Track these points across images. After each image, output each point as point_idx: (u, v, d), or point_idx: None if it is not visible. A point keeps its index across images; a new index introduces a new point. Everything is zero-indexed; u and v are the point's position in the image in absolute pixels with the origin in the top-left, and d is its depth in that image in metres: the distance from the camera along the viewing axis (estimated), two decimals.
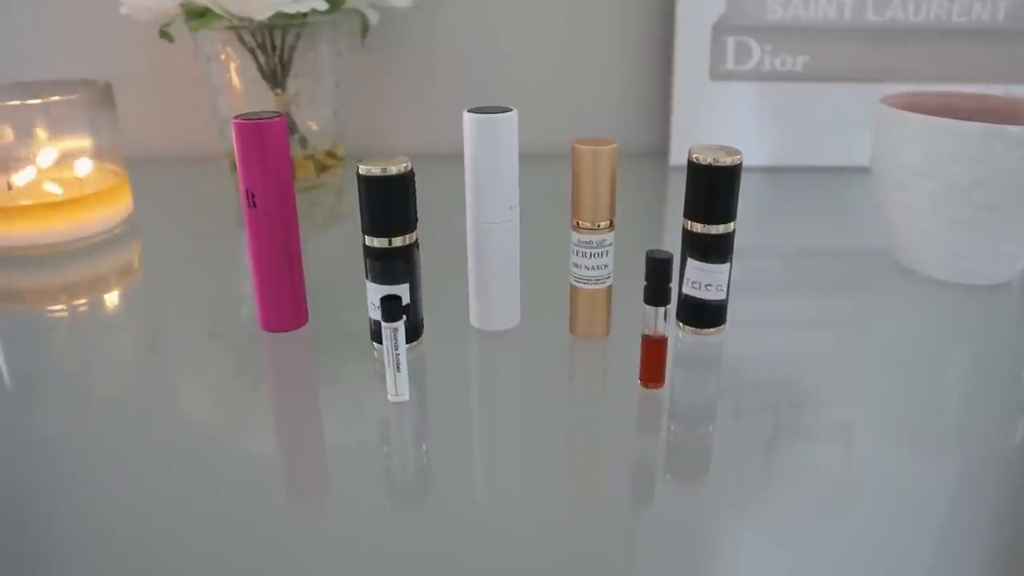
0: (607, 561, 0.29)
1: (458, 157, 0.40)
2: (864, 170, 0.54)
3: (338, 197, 0.68)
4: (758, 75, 0.72)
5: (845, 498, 0.32)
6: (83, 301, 0.51)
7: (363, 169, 0.37)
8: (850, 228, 0.62)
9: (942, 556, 0.30)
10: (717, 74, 0.72)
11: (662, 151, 0.79)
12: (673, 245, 0.41)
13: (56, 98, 0.56)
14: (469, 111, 0.39)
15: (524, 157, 0.40)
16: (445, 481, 0.33)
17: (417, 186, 0.39)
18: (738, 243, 0.41)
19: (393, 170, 0.37)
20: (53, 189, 0.56)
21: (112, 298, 0.52)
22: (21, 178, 0.56)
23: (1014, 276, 0.49)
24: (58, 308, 0.50)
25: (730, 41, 0.71)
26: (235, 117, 0.40)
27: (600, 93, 0.79)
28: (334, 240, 0.61)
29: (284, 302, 0.43)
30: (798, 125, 0.73)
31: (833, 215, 0.65)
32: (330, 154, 0.70)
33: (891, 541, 0.29)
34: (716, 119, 0.73)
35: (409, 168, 0.38)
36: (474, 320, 0.43)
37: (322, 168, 0.69)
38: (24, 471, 0.34)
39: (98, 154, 0.58)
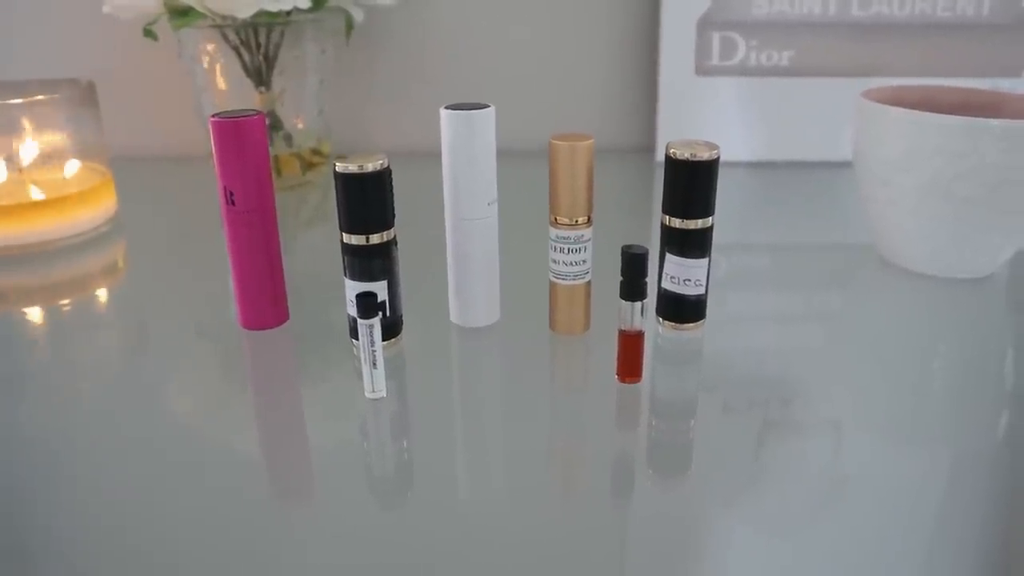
0: (588, 556, 0.29)
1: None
2: (849, 165, 0.54)
3: (324, 195, 0.68)
4: (744, 70, 0.72)
5: (829, 493, 0.32)
6: (67, 301, 0.51)
7: (340, 166, 0.37)
8: (834, 223, 0.62)
9: (931, 550, 0.30)
10: (702, 69, 0.72)
11: (648, 147, 0.79)
12: (657, 241, 0.41)
13: (39, 97, 0.56)
14: (446, 108, 0.39)
15: (511, 154, 0.40)
16: (426, 477, 0.33)
17: (400, 184, 0.39)
18: (722, 238, 0.41)
19: (369, 167, 0.37)
20: (36, 189, 0.56)
21: (96, 297, 0.52)
22: (3, 178, 0.55)
23: (997, 269, 0.49)
24: (42, 308, 0.50)
25: (715, 36, 0.71)
26: (213, 115, 0.40)
27: (586, 89, 0.79)
28: (319, 238, 0.61)
29: (264, 300, 0.43)
30: (784, 120, 0.73)
31: (818, 210, 0.65)
32: (315, 152, 0.70)
33: (878, 537, 0.29)
34: (702, 114, 0.73)
35: (386, 165, 0.38)
36: (454, 316, 0.43)
37: (308, 166, 0.69)
38: (6, 470, 0.34)
39: (82, 153, 0.58)
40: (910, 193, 0.47)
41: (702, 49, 0.72)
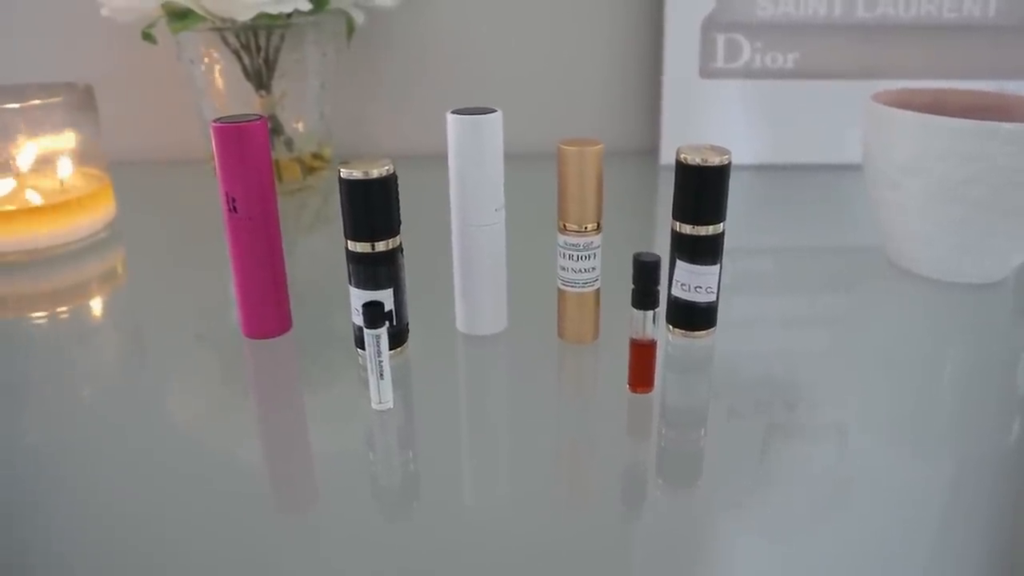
0: (598, 567, 0.28)
1: (446, 158, 0.39)
2: (856, 168, 0.53)
3: (324, 199, 0.68)
4: (748, 72, 0.71)
5: (839, 499, 0.31)
6: (67, 307, 0.50)
7: (344, 172, 0.37)
8: (842, 226, 0.62)
9: (935, 555, 0.29)
10: (707, 72, 0.72)
11: (652, 150, 0.78)
12: (664, 245, 0.41)
13: (37, 102, 0.55)
14: (452, 112, 0.38)
15: (513, 158, 0.40)
16: (433, 488, 0.33)
17: (402, 188, 0.38)
18: (729, 242, 0.40)
19: (375, 173, 0.36)
20: (34, 194, 0.55)
21: (96, 304, 0.52)
22: (1, 184, 0.55)
23: (1007, 274, 0.49)
24: (41, 314, 0.49)
25: (720, 38, 0.71)
26: (214, 120, 0.39)
27: (589, 92, 0.78)
28: (320, 243, 0.60)
29: (267, 308, 0.42)
30: (789, 123, 0.72)
31: (824, 213, 0.65)
32: (316, 156, 0.69)
33: (886, 540, 0.29)
34: (706, 117, 0.73)
35: (391, 171, 0.37)
36: (460, 325, 0.42)
37: (308, 170, 0.69)
38: (6, 478, 0.33)
39: (80, 158, 0.58)
40: (919, 196, 0.46)
41: (706, 51, 0.71)
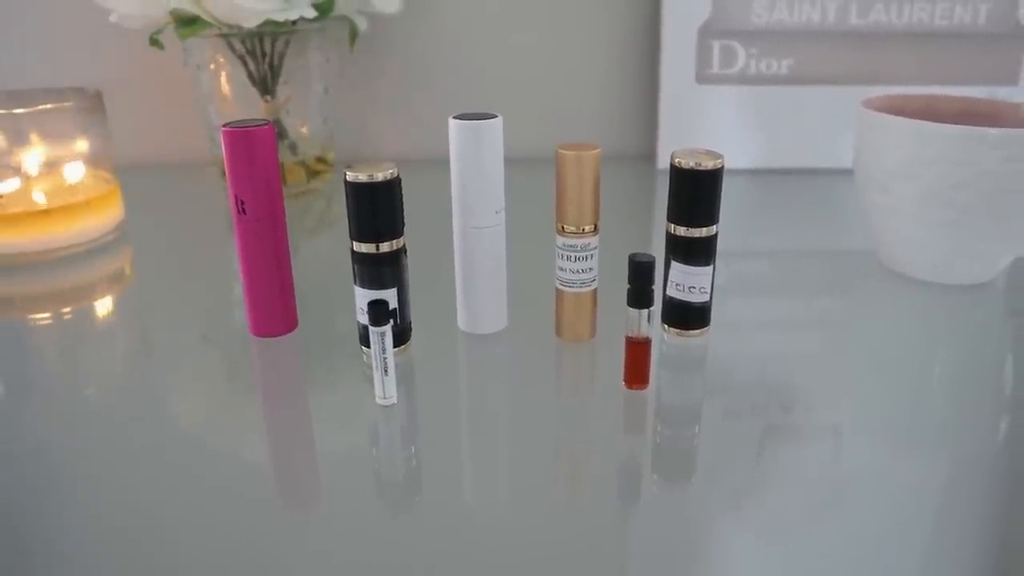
0: (595, 563, 0.29)
1: (447, 162, 0.40)
2: (849, 172, 0.55)
3: (328, 202, 0.69)
4: (744, 78, 0.73)
5: (832, 499, 0.32)
6: (74, 308, 0.51)
7: (350, 175, 0.38)
8: (835, 230, 0.63)
9: (929, 555, 0.30)
10: (703, 77, 0.73)
11: (649, 154, 0.79)
12: (660, 247, 0.42)
13: (47, 106, 0.56)
14: (454, 117, 0.39)
15: (513, 161, 0.41)
16: (434, 484, 0.33)
17: (405, 191, 0.39)
18: (723, 245, 0.41)
19: (380, 176, 0.38)
20: (44, 197, 0.56)
21: (104, 305, 0.53)
22: (11, 186, 0.56)
23: (995, 275, 0.50)
24: (49, 315, 0.50)
25: (716, 45, 0.72)
26: (224, 125, 0.40)
27: (587, 97, 0.79)
28: (324, 245, 0.61)
29: (274, 308, 0.43)
30: (783, 128, 0.74)
31: (818, 217, 0.66)
32: (320, 160, 0.70)
33: (879, 541, 0.30)
34: (702, 122, 0.74)
35: (395, 174, 0.38)
36: (461, 323, 0.43)
37: (312, 174, 0.70)
38: (14, 478, 0.34)
39: (89, 161, 0.59)
40: (910, 201, 0.47)
41: (702, 58, 0.72)
